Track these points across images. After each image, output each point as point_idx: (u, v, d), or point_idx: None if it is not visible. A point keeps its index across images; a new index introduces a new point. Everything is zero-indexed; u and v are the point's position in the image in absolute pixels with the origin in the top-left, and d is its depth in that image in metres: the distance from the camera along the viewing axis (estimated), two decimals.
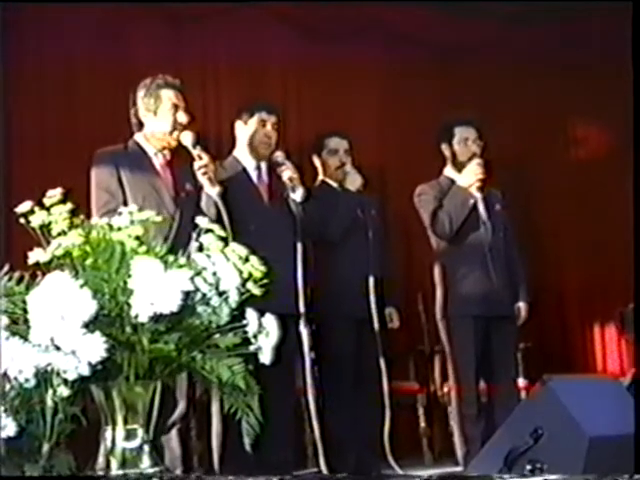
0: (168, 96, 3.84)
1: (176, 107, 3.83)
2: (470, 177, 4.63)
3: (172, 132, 3.82)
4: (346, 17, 6.11)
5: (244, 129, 4.36)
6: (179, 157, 3.88)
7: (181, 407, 3.70)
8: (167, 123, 3.83)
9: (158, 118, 3.84)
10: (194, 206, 3.76)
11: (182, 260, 2.14)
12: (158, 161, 3.85)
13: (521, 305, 4.71)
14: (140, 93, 3.88)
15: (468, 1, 6.14)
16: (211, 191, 3.80)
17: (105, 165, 3.77)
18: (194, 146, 3.80)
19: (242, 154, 4.35)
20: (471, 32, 6.44)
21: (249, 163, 4.33)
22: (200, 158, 3.79)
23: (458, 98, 6.27)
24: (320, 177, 4.76)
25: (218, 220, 3.59)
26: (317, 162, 4.76)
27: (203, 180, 3.80)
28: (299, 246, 3.97)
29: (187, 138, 3.81)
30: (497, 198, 4.81)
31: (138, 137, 3.90)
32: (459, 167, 4.71)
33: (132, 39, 5.66)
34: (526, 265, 4.82)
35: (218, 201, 3.76)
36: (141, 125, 3.90)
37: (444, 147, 4.78)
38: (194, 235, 2.21)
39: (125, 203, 3.63)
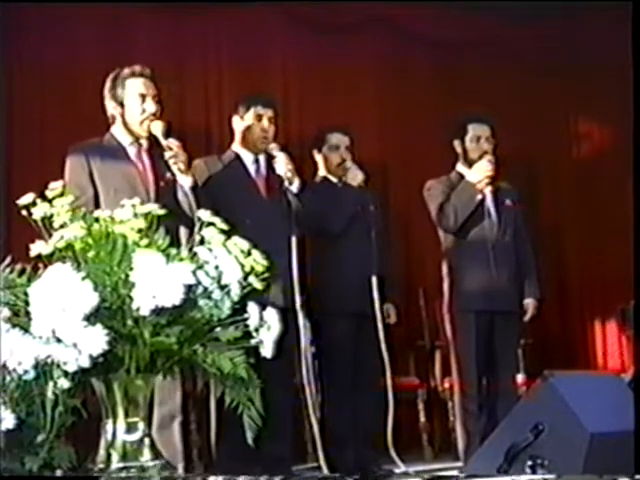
0: (134, 85, 3.81)
1: (143, 96, 3.80)
2: (479, 174, 4.61)
3: (142, 122, 3.78)
4: (349, 11, 6.10)
5: (241, 123, 4.35)
6: (158, 147, 3.82)
7: (176, 400, 3.70)
8: (135, 113, 3.79)
9: (126, 109, 3.82)
10: (172, 196, 3.73)
11: (184, 253, 2.14)
12: (133, 152, 3.82)
13: (529, 302, 4.68)
14: (108, 85, 3.86)
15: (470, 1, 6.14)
16: (183, 181, 3.78)
17: (76, 159, 3.75)
18: (164, 136, 3.75)
19: (240, 148, 4.35)
20: (473, 29, 6.43)
21: (247, 157, 4.32)
22: (170, 149, 3.74)
23: (460, 94, 6.26)
24: (321, 173, 4.74)
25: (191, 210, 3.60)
26: (318, 157, 4.75)
27: (174, 170, 3.75)
28: (293, 239, 3.98)
29: (157, 128, 3.76)
30: (508, 193, 4.78)
31: (114, 129, 3.87)
32: (470, 164, 4.68)
33: (134, 31, 5.65)
34: (537, 261, 4.80)
35: (188, 192, 3.74)
36: (114, 117, 3.88)
37: (456, 144, 4.75)
38: (196, 229, 2.20)
39: (97, 197, 3.65)
